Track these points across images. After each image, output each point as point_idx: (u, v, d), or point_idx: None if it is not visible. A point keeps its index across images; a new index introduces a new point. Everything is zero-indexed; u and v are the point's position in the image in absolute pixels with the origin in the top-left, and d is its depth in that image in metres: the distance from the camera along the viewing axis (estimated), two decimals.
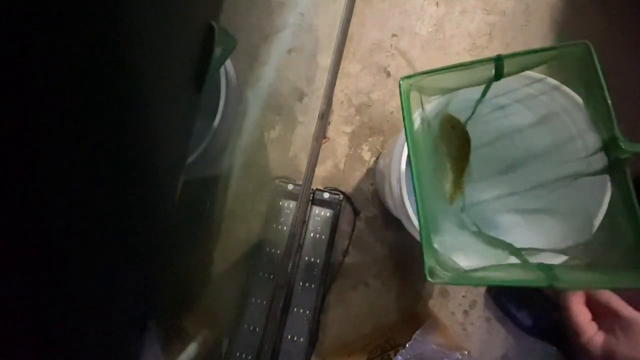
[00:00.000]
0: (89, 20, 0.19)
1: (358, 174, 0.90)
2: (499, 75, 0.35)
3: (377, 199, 0.88)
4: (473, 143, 0.50)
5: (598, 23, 0.97)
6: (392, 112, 0.92)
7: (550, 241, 0.41)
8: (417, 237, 0.51)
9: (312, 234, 0.83)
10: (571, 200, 0.40)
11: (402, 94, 0.38)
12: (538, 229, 0.46)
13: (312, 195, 0.84)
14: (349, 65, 0.93)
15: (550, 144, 0.42)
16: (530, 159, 0.47)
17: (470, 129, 0.49)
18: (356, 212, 0.87)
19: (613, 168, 0.31)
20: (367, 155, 0.90)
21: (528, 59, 0.35)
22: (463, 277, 0.32)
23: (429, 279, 0.32)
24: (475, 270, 0.33)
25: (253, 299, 0.77)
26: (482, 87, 0.39)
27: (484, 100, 0.42)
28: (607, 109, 0.33)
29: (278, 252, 0.80)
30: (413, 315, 0.84)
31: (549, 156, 0.42)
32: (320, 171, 0.89)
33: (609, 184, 0.33)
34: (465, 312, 0.86)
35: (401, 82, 0.38)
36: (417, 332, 0.66)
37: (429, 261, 0.33)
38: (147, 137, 0.28)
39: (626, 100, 0.54)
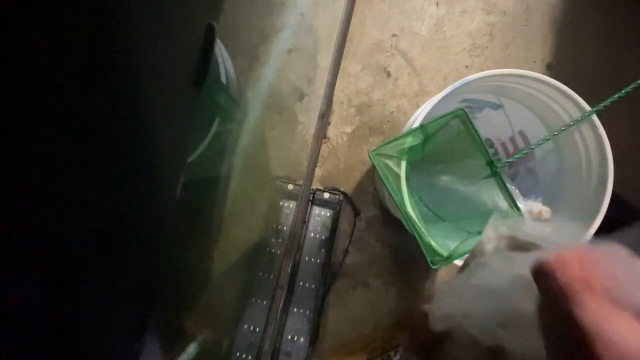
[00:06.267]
0: (89, 21, 0.19)
1: (358, 174, 0.90)
2: (427, 139, 0.56)
3: (377, 199, 0.88)
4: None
5: (598, 23, 0.97)
6: (392, 112, 0.92)
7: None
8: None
9: (312, 234, 0.83)
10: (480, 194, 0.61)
11: (374, 161, 0.55)
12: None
13: (312, 195, 0.84)
14: (349, 65, 0.93)
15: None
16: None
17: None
18: (356, 212, 0.87)
19: (494, 174, 0.57)
20: (367, 155, 0.90)
21: (437, 123, 0.55)
22: (453, 254, 0.50)
23: (434, 267, 0.51)
24: (456, 247, 0.51)
25: (253, 299, 0.77)
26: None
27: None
28: (484, 147, 0.56)
29: (278, 252, 0.80)
30: (413, 315, 0.84)
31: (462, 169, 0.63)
32: (321, 171, 0.89)
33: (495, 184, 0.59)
34: None
35: (370, 154, 0.55)
36: None
37: (429, 256, 0.52)
38: (148, 137, 0.28)
39: (626, 100, 0.54)
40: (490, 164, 0.57)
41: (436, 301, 0.23)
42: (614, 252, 0.17)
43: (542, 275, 0.18)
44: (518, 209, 0.58)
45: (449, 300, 0.22)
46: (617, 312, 0.16)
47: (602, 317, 0.16)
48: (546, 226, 0.25)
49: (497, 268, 0.20)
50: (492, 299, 0.20)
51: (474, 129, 0.56)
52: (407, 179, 0.56)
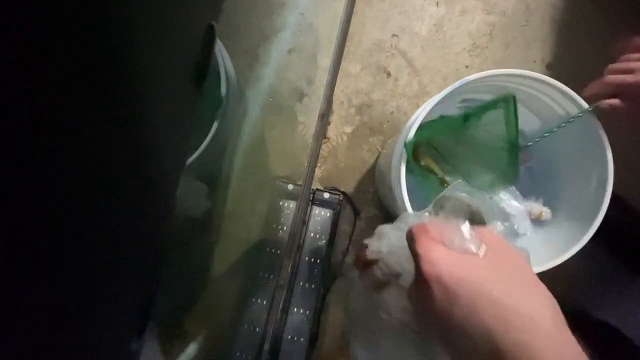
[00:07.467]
0: (87, 20, 0.19)
1: (358, 174, 0.90)
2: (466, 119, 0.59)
3: (377, 199, 0.88)
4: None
5: (598, 23, 0.97)
6: (392, 112, 0.92)
7: None
8: None
9: (312, 234, 0.83)
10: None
11: (409, 147, 0.56)
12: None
13: (312, 195, 0.84)
14: (349, 65, 0.93)
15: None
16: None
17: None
18: (356, 212, 0.87)
19: (511, 150, 0.61)
20: (367, 155, 0.90)
21: (483, 109, 0.58)
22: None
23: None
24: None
25: (253, 299, 0.77)
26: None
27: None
28: (517, 131, 0.59)
29: (278, 252, 0.80)
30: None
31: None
32: (320, 171, 0.89)
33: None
34: None
35: (408, 142, 0.56)
36: None
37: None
38: (147, 137, 0.28)
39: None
40: (512, 143, 0.61)
41: (372, 239, 0.34)
42: (446, 220, 0.28)
43: (409, 234, 0.29)
44: (517, 175, 0.63)
45: (378, 239, 0.33)
46: (439, 247, 0.26)
47: (428, 248, 0.26)
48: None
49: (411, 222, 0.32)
50: (404, 242, 0.30)
51: (515, 114, 0.58)
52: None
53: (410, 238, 0.28)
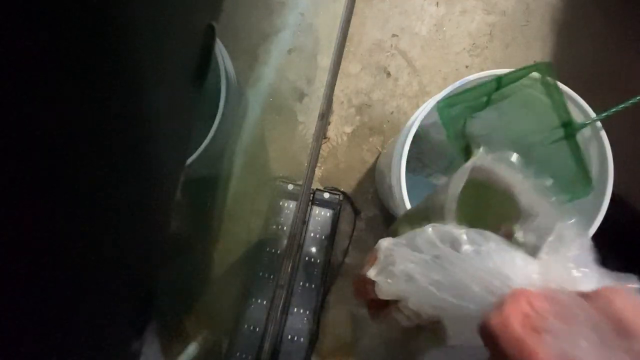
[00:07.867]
0: (88, 19, 0.19)
1: (358, 174, 0.90)
2: (499, 88, 0.53)
3: (378, 199, 0.88)
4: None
5: (598, 23, 0.97)
6: (392, 112, 0.92)
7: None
8: None
9: (312, 234, 0.83)
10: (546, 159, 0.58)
11: (442, 111, 0.53)
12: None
13: (312, 195, 0.84)
14: (349, 65, 0.93)
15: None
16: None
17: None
18: (356, 212, 0.87)
19: (568, 136, 0.53)
20: (367, 155, 0.90)
21: (516, 75, 0.53)
22: None
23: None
24: None
25: (253, 299, 0.77)
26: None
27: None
28: (565, 104, 0.53)
29: (278, 252, 0.80)
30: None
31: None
32: (320, 171, 0.89)
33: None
34: None
35: (440, 104, 0.53)
36: None
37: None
38: (147, 137, 0.28)
39: (625, 99, 0.54)
40: (567, 125, 0.52)
41: (377, 267, 0.23)
42: (564, 299, 0.15)
43: (487, 336, 0.17)
44: (589, 178, 0.53)
45: (389, 269, 0.23)
46: None
47: None
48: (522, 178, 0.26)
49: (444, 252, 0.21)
50: (435, 282, 0.20)
51: (556, 85, 0.51)
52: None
53: (499, 352, 0.16)
